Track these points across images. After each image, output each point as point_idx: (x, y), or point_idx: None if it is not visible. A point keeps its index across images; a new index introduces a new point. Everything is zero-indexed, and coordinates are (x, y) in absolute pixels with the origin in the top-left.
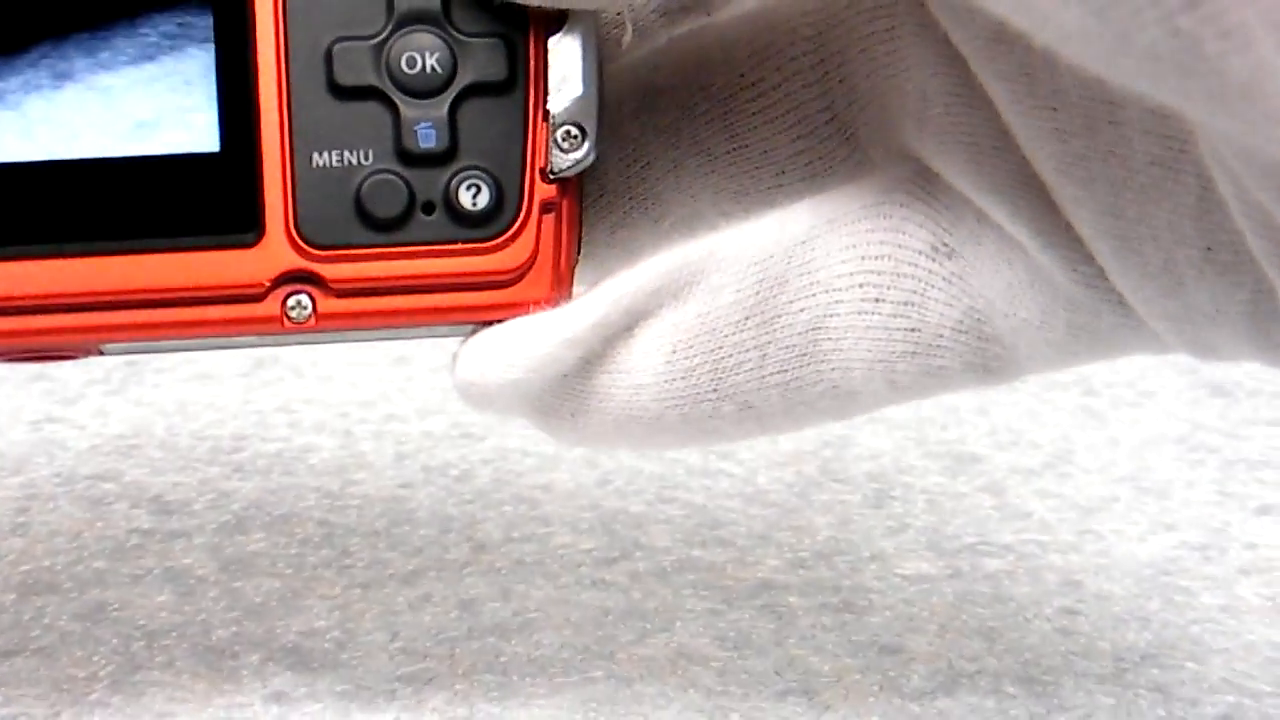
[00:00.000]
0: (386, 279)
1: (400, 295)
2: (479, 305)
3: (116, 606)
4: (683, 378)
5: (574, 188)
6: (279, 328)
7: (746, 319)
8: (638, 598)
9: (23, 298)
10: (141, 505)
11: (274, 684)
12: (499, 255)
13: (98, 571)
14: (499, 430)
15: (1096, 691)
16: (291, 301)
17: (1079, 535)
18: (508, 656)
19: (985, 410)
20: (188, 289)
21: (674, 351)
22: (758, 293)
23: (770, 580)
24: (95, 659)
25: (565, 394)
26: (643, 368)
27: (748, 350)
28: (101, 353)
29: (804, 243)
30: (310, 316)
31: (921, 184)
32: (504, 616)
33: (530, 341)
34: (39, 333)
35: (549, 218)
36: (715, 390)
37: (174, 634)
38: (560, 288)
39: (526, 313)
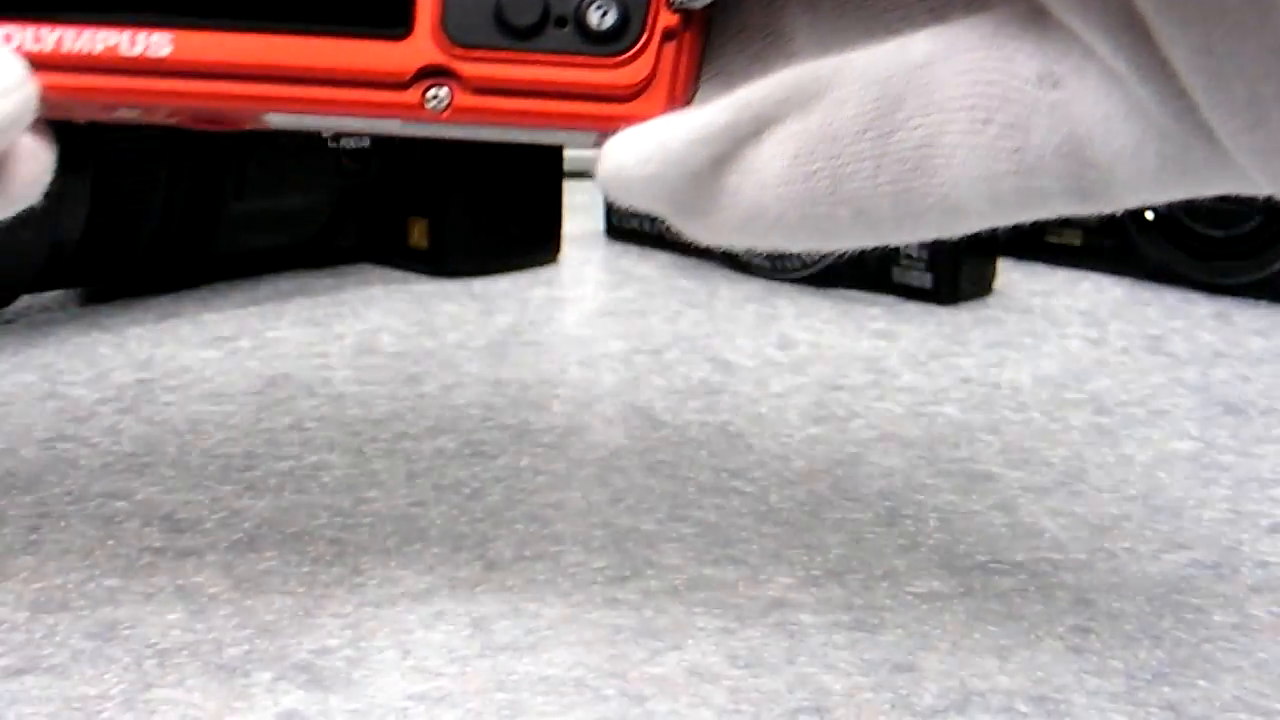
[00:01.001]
0: (516, 81)
1: (526, 98)
2: (595, 115)
3: (128, 625)
4: (803, 181)
5: (697, 21)
6: (418, 114)
7: (865, 131)
8: (649, 616)
9: (204, 63)
10: (153, 523)
11: (286, 702)
12: (618, 72)
13: (109, 589)
14: (510, 449)
15: (1109, 710)
16: (431, 93)
17: (1091, 553)
18: (519, 675)
19: (997, 429)
20: (343, 71)
21: (797, 157)
22: (877, 108)
23: (782, 598)
24: (107, 677)
25: (697, 191)
26: (768, 170)
27: (864, 160)
28: (266, 124)
29: (922, 66)
30: (446, 108)
31: (1033, 20)
32: (516, 635)
33: (666, 139)
34: (214, 97)
35: (670, 44)
36: (832, 195)
37: (186, 652)
38: (674, 109)
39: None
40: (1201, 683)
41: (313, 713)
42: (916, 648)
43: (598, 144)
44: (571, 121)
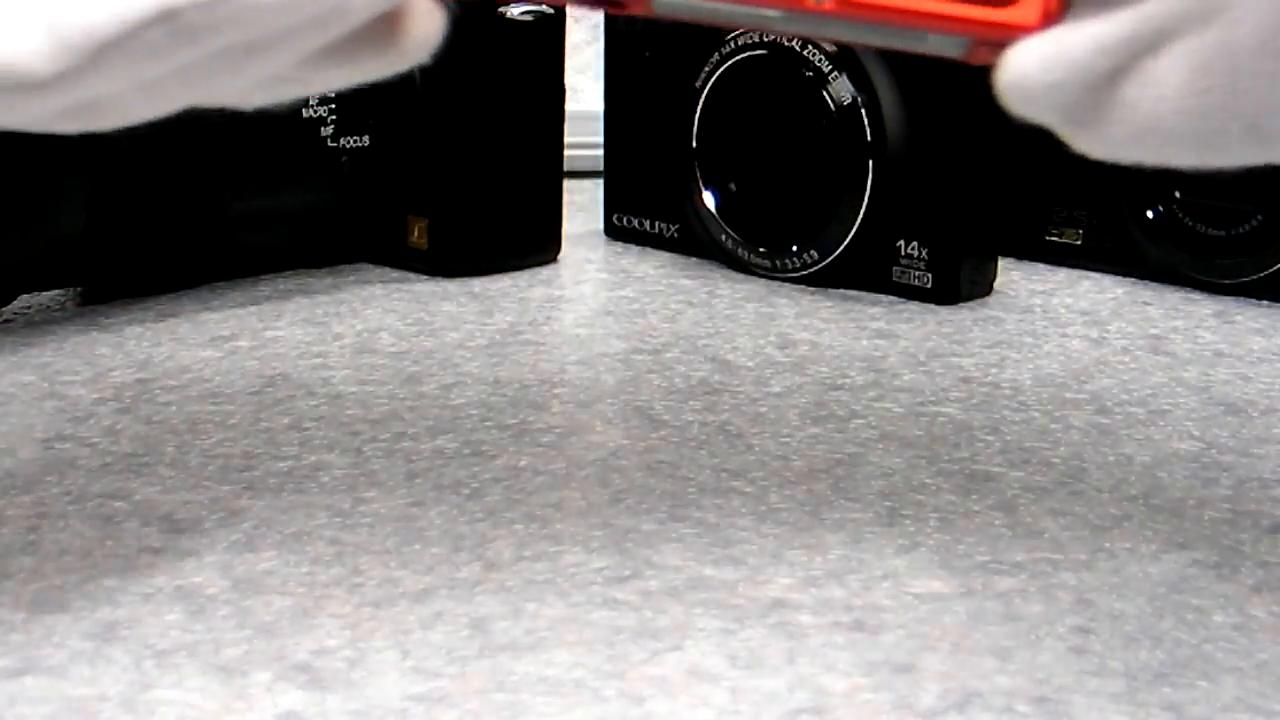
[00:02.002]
0: None
1: None
2: (971, 19)
3: (127, 625)
4: (1199, 95)
5: None
6: (800, 5)
7: (1261, 50)
8: (649, 616)
9: None
10: (152, 523)
11: (285, 703)
12: None
13: (108, 590)
14: (510, 449)
15: (1109, 710)
16: None
17: (1091, 554)
18: (519, 675)
19: (997, 428)
20: None
21: (1193, 71)
22: (1275, 29)
23: (782, 599)
24: (106, 678)
25: (1094, 102)
26: (1165, 82)
27: (1259, 78)
28: (651, 6)
29: None
30: (828, 0)
31: None
32: (515, 635)
33: (1070, 48)
34: None
35: None
36: (1226, 109)
37: (184, 652)
38: (1048, 20)
39: (1014, 37)
40: (1202, 683)
41: (312, 713)
42: (917, 648)
43: (965, 56)
44: (948, 24)
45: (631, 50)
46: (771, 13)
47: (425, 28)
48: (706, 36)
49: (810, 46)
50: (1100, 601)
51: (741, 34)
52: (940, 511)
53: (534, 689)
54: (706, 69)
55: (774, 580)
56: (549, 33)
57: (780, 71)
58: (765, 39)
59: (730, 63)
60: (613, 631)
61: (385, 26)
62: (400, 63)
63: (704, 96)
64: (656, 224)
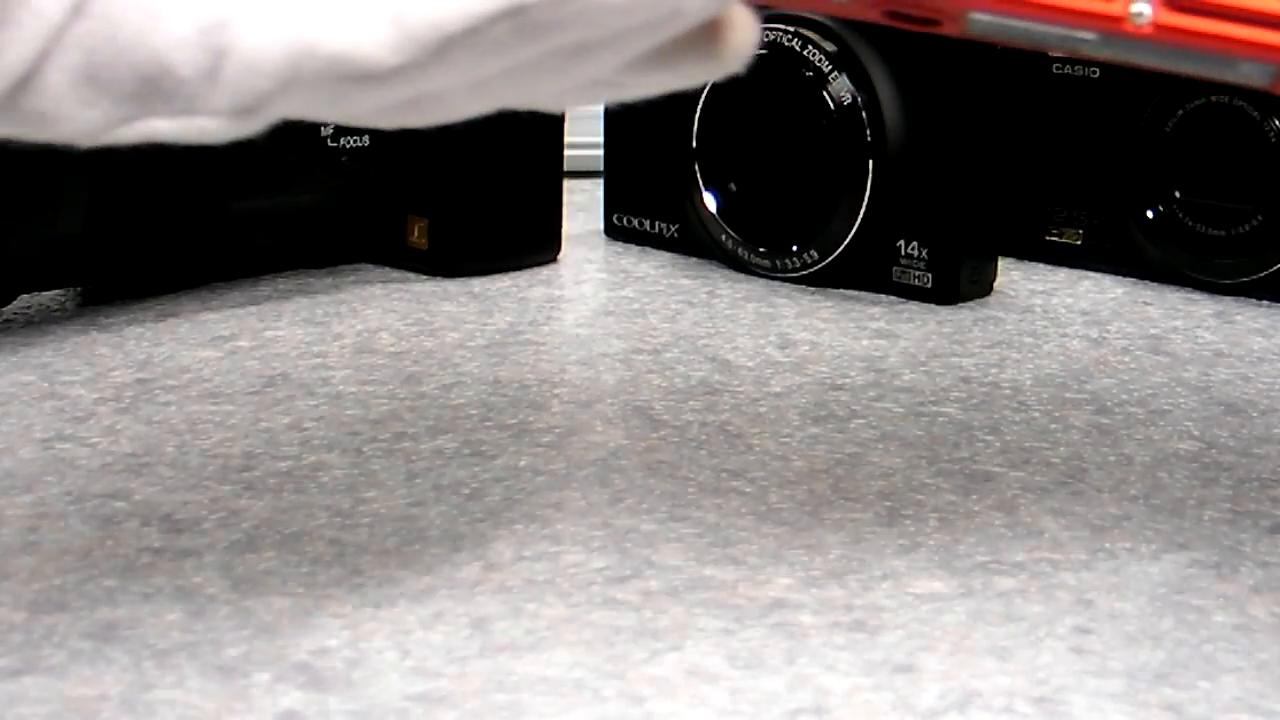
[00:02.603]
0: (1216, 4)
1: (1226, 21)
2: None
3: (127, 625)
4: None
5: None
6: (1120, 27)
7: None
8: (649, 616)
9: None
10: (152, 523)
11: (285, 703)
12: None
13: (108, 590)
14: (510, 449)
15: (1109, 710)
16: (1135, 8)
17: (1092, 554)
18: (519, 675)
19: (997, 428)
20: None
21: None
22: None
23: (782, 599)
24: (105, 678)
25: None
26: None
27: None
28: (967, 28)
29: None
30: (1148, 24)
31: None
32: (515, 635)
33: None
34: None
35: None
36: None
37: (184, 653)
38: None
39: None
40: (1202, 683)
41: (312, 713)
42: (917, 648)
43: (1270, 85)
44: (1265, 53)
45: None
46: (1088, 35)
47: (743, 36)
48: None
49: (810, 46)
50: (1100, 601)
51: None
52: (940, 511)
53: (534, 689)
54: None
55: (774, 580)
56: None
57: (780, 71)
58: (764, 39)
59: None
60: (613, 631)
61: (706, 33)
62: (718, 70)
63: (704, 96)
64: (656, 224)
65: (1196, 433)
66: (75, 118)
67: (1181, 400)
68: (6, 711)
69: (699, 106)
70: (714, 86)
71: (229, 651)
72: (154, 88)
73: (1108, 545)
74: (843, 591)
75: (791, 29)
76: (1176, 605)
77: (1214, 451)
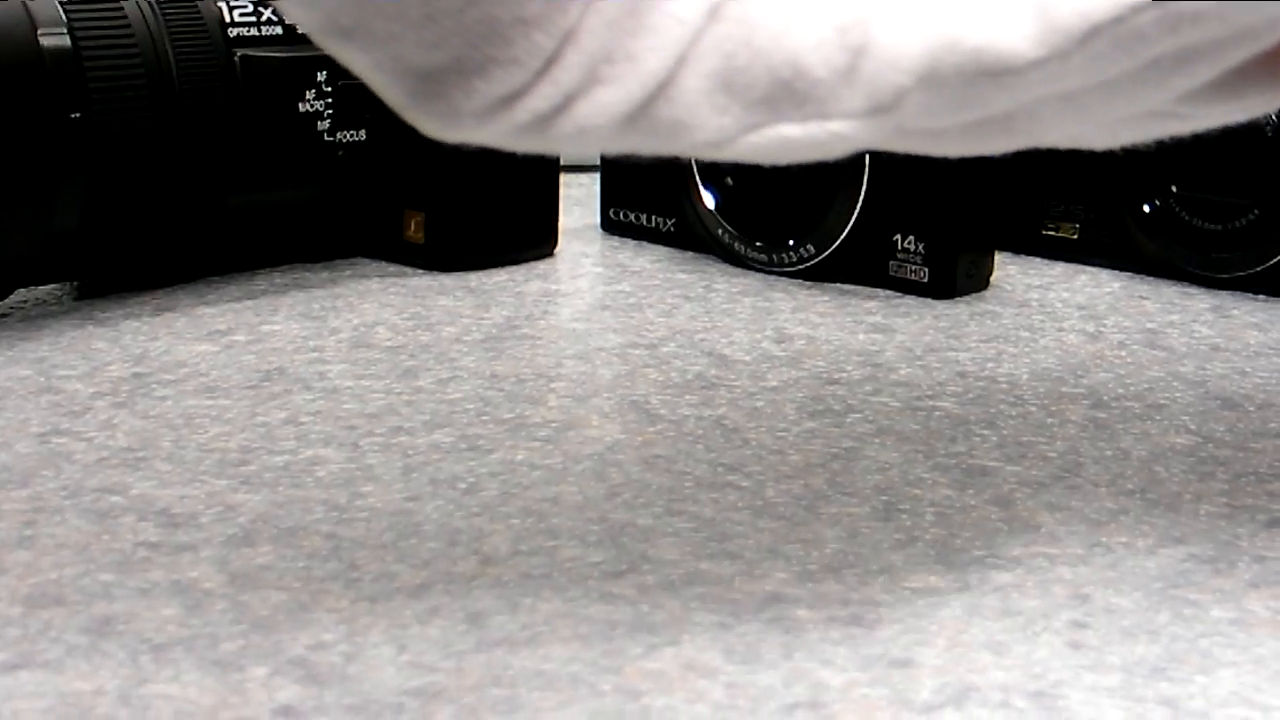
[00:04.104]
0: None
1: None
2: None
3: (123, 620)
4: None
5: None
6: None
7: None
8: (646, 610)
9: None
10: (149, 518)
11: (281, 697)
12: None
13: (105, 584)
14: (507, 443)
15: (1106, 705)
16: None
17: (1088, 548)
18: (515, 670)
19: (994, 423)
20: None
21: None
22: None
23: (779, 593)
24: (102, 672)
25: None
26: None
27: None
28: None
29: None
30: None
31: None
32: (512, 630)
33: None
34: None
35: None
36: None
37: (181, 647)
38: None
39: None
40: (1199, 678)
41: (308, 708)
42: (913, 643)
43: None
44: None
45: None
46: None
47: None
48: None
49: None
50: (1097, 596)
51: None
52: (937, 506)
53: (530, 683)
54: None
55: (770, 575)
56: None
57: None
58: None
59: None
60: (609, 626)
61: (1272, 61)
62: (1278, 99)
63: None
64: (653, 218)
65: (1193, 427)
66: (706, 125)
67: (1178, 395)
68: (3, 706)
69: None
70: None
71: (225, 646)
72: (787, 91)
73: (1104, 540)
74: (839, 586)
75: None
76: (1173, 600)
77: (1210, 446)
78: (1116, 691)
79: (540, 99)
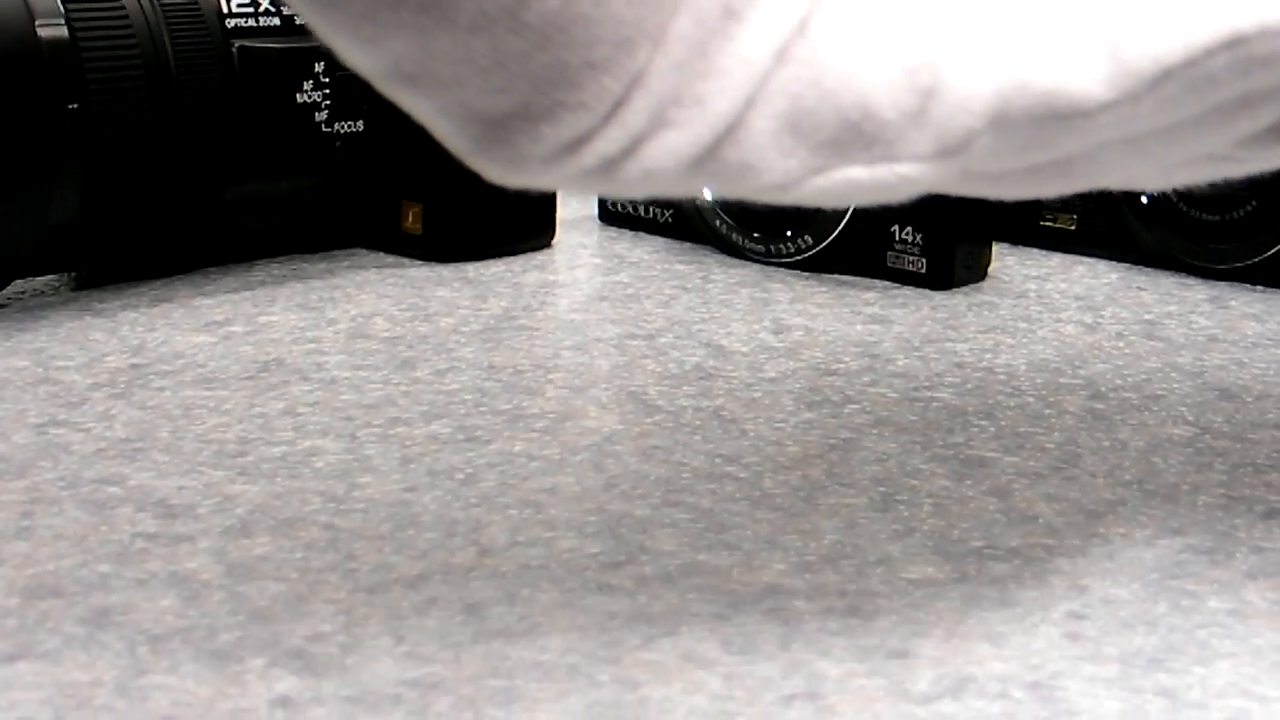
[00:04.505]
0: None
1: None
2: None
3: (121, 611)
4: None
5: None
6: None
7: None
8: (643, 602)
9: None
10: (146, 509)
11: (279, 688)
12: None
13: (102, 575)
14: (504, 434)
15: (1103, 696)
16: None
17: (1086, 539)
18: (513, 661)
19: (991, 414)
20: None
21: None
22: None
23: (776, 584)
24: (99, 663)
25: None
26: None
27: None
28: None
29: None
30: None
31: None
32: (509, 621)
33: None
34: None
35: None
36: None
37: (179, 638)
38: None
39: None
40: (1197, 669)
41: (306, 699)
42: (911, 634)
43: None
44: None
45: None
46: None
47: None
48: None
49: None
50: (1095, 587)
51: None
52: (934, 497)
53: (528, 674)
54: None
55: (768, 566)
56: None
57: None
58: None
59: None
60: (607, 617)
61: None
62: None
63: None
64: (651, 209)
65: (1191, 418)
66: (773, 168)
67: (1176, 385)
68: (1, 696)
69: None
70: None
71: (223, 637)
72: (855, 133)
73: (1102, 530)
74: (837, 577)
75: None
76: (1171, 590)
77: (1208, 437)
78: (1114, 682)
79: (608, 143)
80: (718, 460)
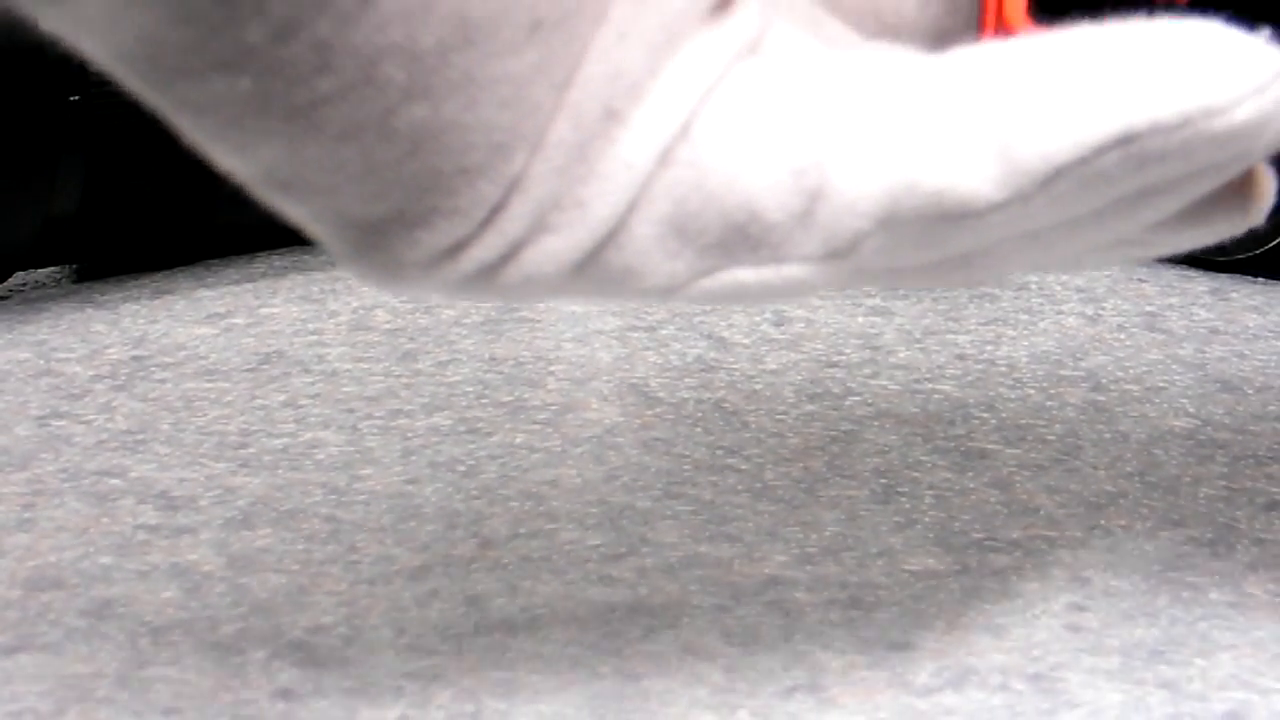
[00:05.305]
0: None
1: None
2: None
3: (122, 602)
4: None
5: None
6: None
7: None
8: (645, 594)
9: None
10: (148, 501)
11: (280, 680)
12: None
13: (104, 567)
14: (506, 426)
15: (1105, 688)
16: None
17: (1087, 531)
18: (514, 653)
19: (993, 406)
20: None
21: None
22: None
23: (777, 576)
24: (101, 655)
25: None
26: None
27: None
28: None
29: None
30: None
31: None
32: (511, 612)
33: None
34: None
35: None
36: None
37: (180, 630)
38: None
39: None
40: (1198, 661)
41: (307, 691)
42: (912, 625)
43: None
44: None
45: None
46: None
47: (1269, 186)
48: None
49: None
50: (1096, 579)
51: None
52: (935, 489)
53: (529, 666)
54: None
55: (769, 557)
56: None
57: None
58: None
59: None
60: (608, 609)
61: (1239, 186)
62: (1244, 225)
63: None
64: None
65: (1192, 410)
66: (658, 271)
67: (1177, 377)
68: (2, 688)
69: None
70: None
71: (225, 629)
72: (741, 235)
73: (1103, 522)
74: (838, 569)
75: None
76: (1172, 582)
77: (1209, 429)
78: (1115, 674)
79: (486, 249)
80: (719, 452)
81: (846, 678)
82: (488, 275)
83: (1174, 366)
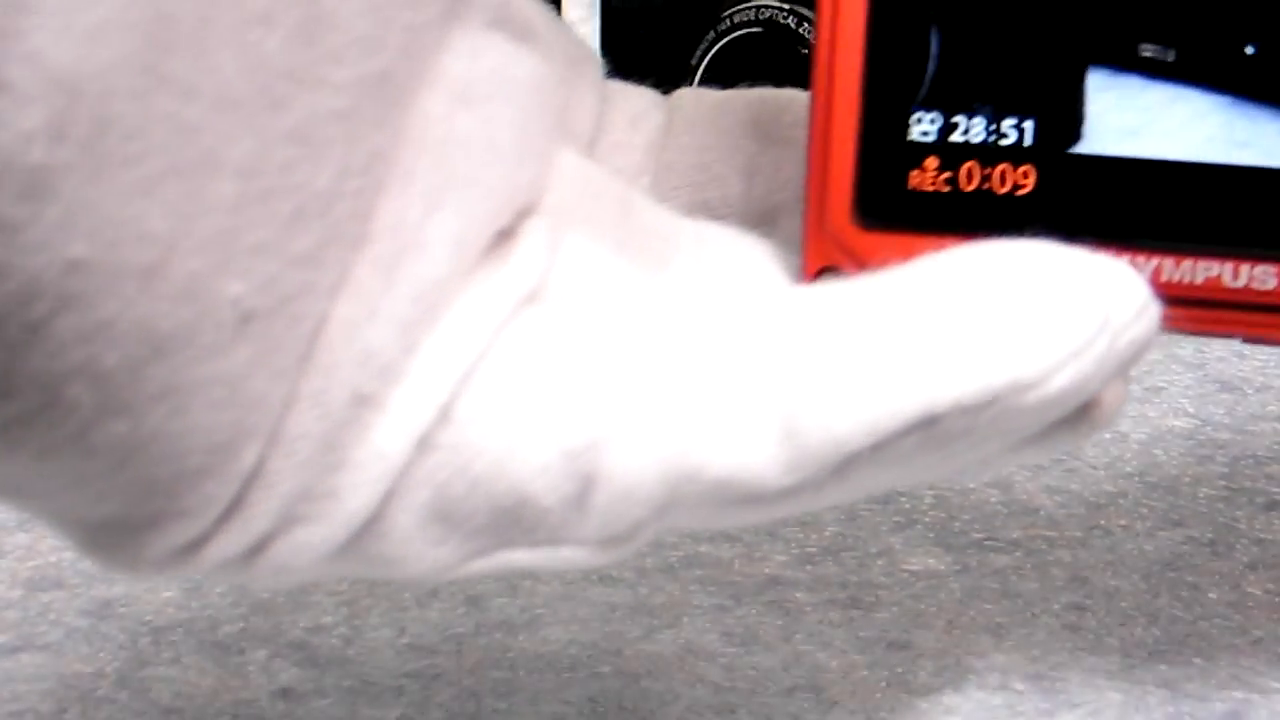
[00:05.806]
0: None
1: None
2: None
3: (123, 602)
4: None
5: None
6: None
7: None
8: (645, 593)
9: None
10: None
11: (281, 680)
12: None
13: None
14: None
15: (1105, 687)
16: None
17: (1087, 531)
18: (515, 652)
19: None
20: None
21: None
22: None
23: (778, 576)
24: (102, 655)
25: None
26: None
27: None
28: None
29: None
30: None
31: None
32: (511, 612)
33: None
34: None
35: None
36: None
37: (181, 629)
38: None
39: None
40: (1197, 660)
41: (307, 690)
42: (912, 625)
43: None
44: None
45: (627, 28)
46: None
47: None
48: (702, 14)
49: (806, 23)
50: (1095, 579)
51: (737, 12)
52: (935, 489)
53: (529, 666)
54: (702, 46)
55: (770, 557)
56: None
57: (776, 48)
58: (760, 17)
59: (726, 40)
60: (608, 609)
61: (1086, 402)
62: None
63: (699, 74)
64: None
65: (1191, 410)
66: (422, 558)
67: (1176, 377)
68: (4, 688)
69: (695, 82)
70: (709, 63)
71: (225, 629)
72: (512, 520)
73: (1103, 523)
74: (838, 568)
75: (787, 6)
76: (1171, 582)
77: (1209, 429)
78: (1115, 674)
79: (229, 544)
80: None
81: (846, 678)
82: (238, 565)
83: (1174, 366)
